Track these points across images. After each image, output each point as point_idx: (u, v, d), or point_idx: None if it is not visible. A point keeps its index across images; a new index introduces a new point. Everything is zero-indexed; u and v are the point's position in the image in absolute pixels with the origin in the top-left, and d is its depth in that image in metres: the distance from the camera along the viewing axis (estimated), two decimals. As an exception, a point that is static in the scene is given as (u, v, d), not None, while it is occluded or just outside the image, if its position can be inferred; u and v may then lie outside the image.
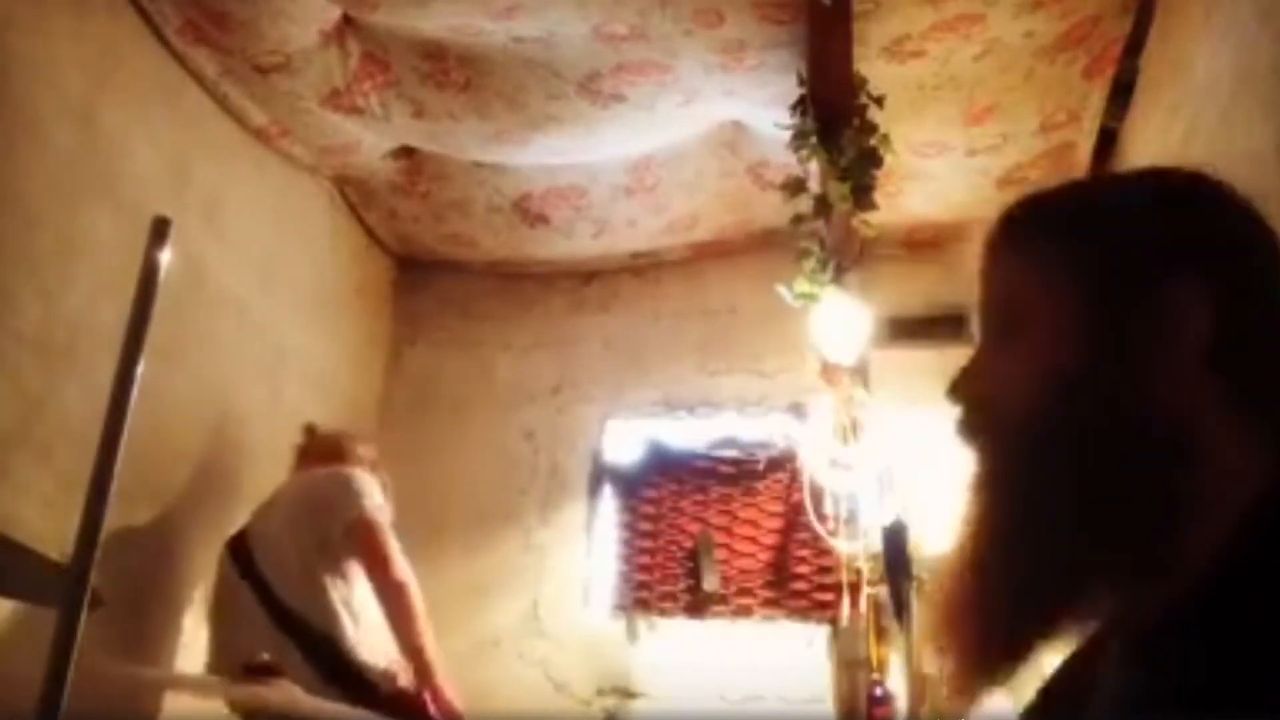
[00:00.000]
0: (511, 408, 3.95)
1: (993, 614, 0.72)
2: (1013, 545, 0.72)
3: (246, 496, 3.16)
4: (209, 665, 2.66)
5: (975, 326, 0.84)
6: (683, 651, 3.52)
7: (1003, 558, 0.72)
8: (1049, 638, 0.72)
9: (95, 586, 1.38)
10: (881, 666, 2.67)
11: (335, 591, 2.58)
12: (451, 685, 2.59)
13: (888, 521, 2.55)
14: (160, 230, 1.46)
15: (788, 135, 2.86)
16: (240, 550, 2.70)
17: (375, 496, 2.69)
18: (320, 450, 2.94)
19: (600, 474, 3.83)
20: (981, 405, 0.79)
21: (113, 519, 1.40)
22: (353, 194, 3.76)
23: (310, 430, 3.03)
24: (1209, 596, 0.63)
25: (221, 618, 2.70)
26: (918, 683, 2.57)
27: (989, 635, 0.73)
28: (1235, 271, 0.75)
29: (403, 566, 2.60)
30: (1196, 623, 0.63)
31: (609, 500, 3.80)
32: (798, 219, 2.88)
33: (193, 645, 2.82)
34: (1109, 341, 0.73)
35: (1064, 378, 0.74)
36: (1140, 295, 0.73)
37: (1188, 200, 0.80)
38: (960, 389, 0.81)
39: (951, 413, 0.81)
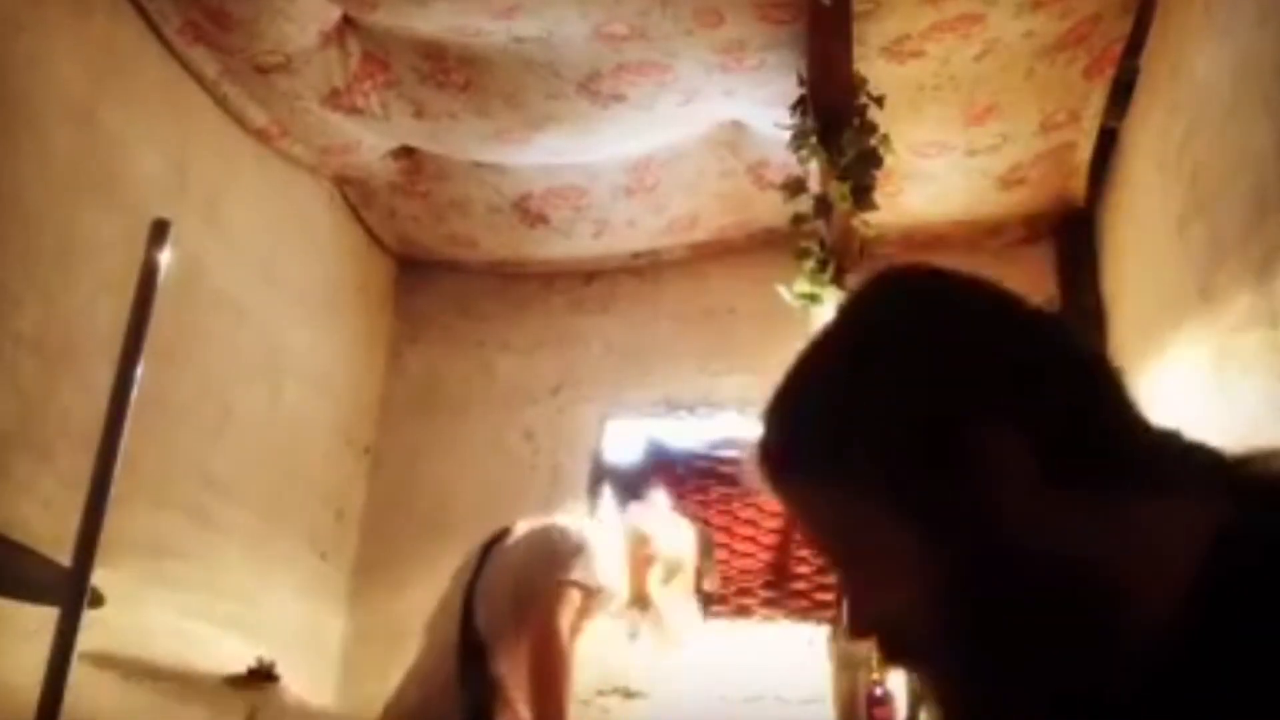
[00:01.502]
0: (511, 408, 3.95)
1: None
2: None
3: (245, 496, 3.17)
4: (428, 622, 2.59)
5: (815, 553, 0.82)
6: (683, 651, 3.52)
7: None
8: None
9: (95, 586, 1.39)
10: (881, 666, 2.67)
11: (510, 641, 2.44)
12: None
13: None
14: (160, 231, 1.46)
15: (788, 135, 2.86)
16: (482, 559, 2.59)
17: (598, 567, 2.48)
18: None
19: (600, 474, 3.83)
20: (889, 634, 0.76)
21: (113, 519, 1.40)
22: (353, 194, 3.76)
23: None
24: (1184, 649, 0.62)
25: (435, 613, 2.60)
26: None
27: None
28: (1015, 383, 0.72)
29: (566, 643, 2.39)
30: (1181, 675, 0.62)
31: (609, 500, 3.80)
32: (798, 219, 2.88)
33: (194, 646, 2.82)
34: (951, 525, 0.70)
35: (939, 579, 0.70)
36: (949, 464, 0.69)
37: (924, 341, 0.74)
38: (860, 631, 0.77)
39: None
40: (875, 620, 0.76)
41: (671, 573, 2.75)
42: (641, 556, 2.69)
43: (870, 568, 0.74)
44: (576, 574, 2.46)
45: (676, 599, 2.80)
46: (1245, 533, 0.64)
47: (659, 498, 2.83)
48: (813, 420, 0.77)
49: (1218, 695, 0.60)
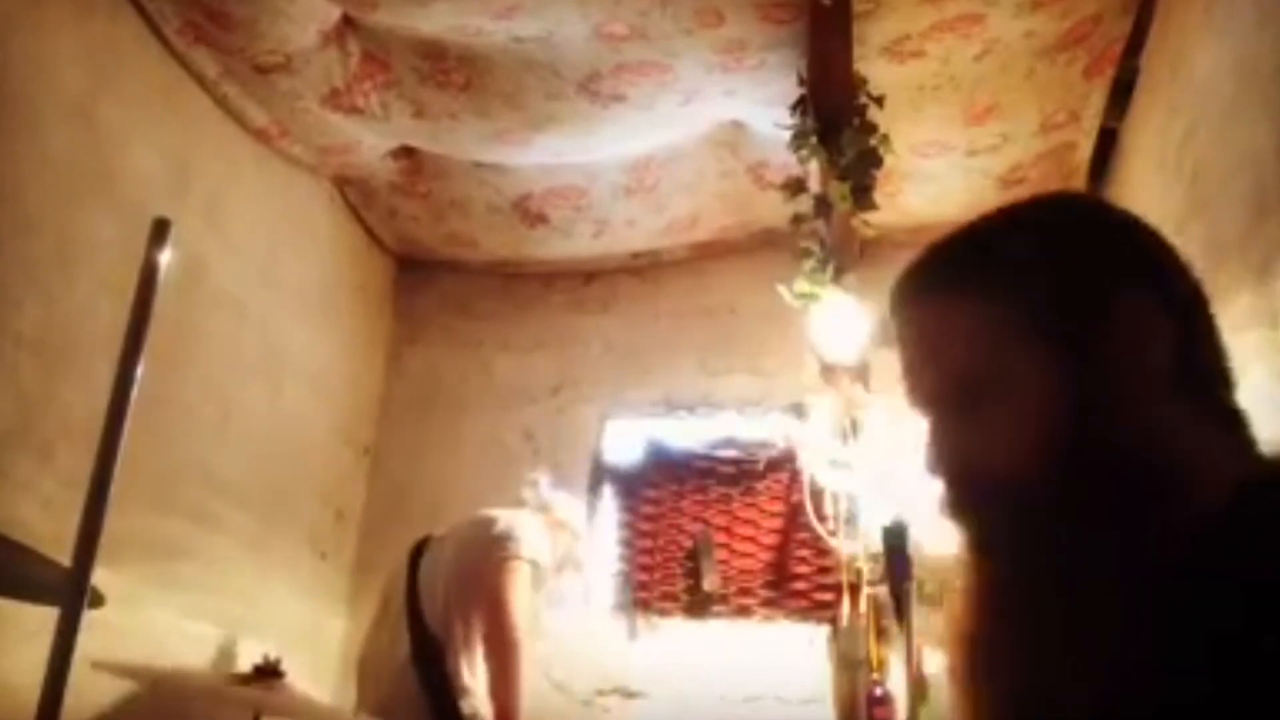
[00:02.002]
0: (511, 408, 3.95)
1: (1018, 672, 0.71)
2: (1038, 602, 0.70)
3: (246, 496, 3.17)
4: (359, 659, 2.77)
5: (911, 388, 0.80)
6: (683, 651, 3.52)
7: (1030, 617, 0.71)
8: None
9: (95, 586, 1.38)
10: (881, 666, 2.67)
11: (460, 631, 2.59)
12: None
13: (888, 521, 2.55)
14: (160, 231, 1.46)
15: (788, 135, 2.86)
16: (415, 560, 2.74)
17: (534, 547, 2.67)
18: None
19: (600, 474, 3.83)
20: (973, 480, 0.75)
21: (113, 520, 1.40)
22: (353, 194, 3.76)
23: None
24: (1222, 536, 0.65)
25: (379, 618, 2.77)
26: (918, 683, 2.56)
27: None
28: (1170, 277, 0.76)
29: (518, 626, 2.56)
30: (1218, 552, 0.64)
31: (609, 500, 3.80)
32: (798, 219, 2.88)
33: (194, 646, 2.82)
34: (1090, 373, 0.71)
35: (1062, 425, 0.71)
36: (1102, 313, 0.72)
37: (1104, 218, 0.79)
38: (946, 469, 0.76)
39: (935, 488, 0.77)
40: (959, 458, 0.75)
41: (574, 536, 2.98)
42: (553, 523, 2.91)
43: (994, 407, 0.73)
44: (515, 550, 2.63)
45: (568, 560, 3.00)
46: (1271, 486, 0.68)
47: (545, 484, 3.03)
48: (981, 247, 0.79)
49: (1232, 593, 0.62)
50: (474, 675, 2.56)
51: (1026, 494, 0.71)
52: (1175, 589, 0.64)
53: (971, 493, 0.75)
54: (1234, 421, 0.74)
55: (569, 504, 3.03)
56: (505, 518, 2.75)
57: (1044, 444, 0.71)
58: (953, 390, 0.76)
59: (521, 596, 2.59)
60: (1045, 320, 0.73)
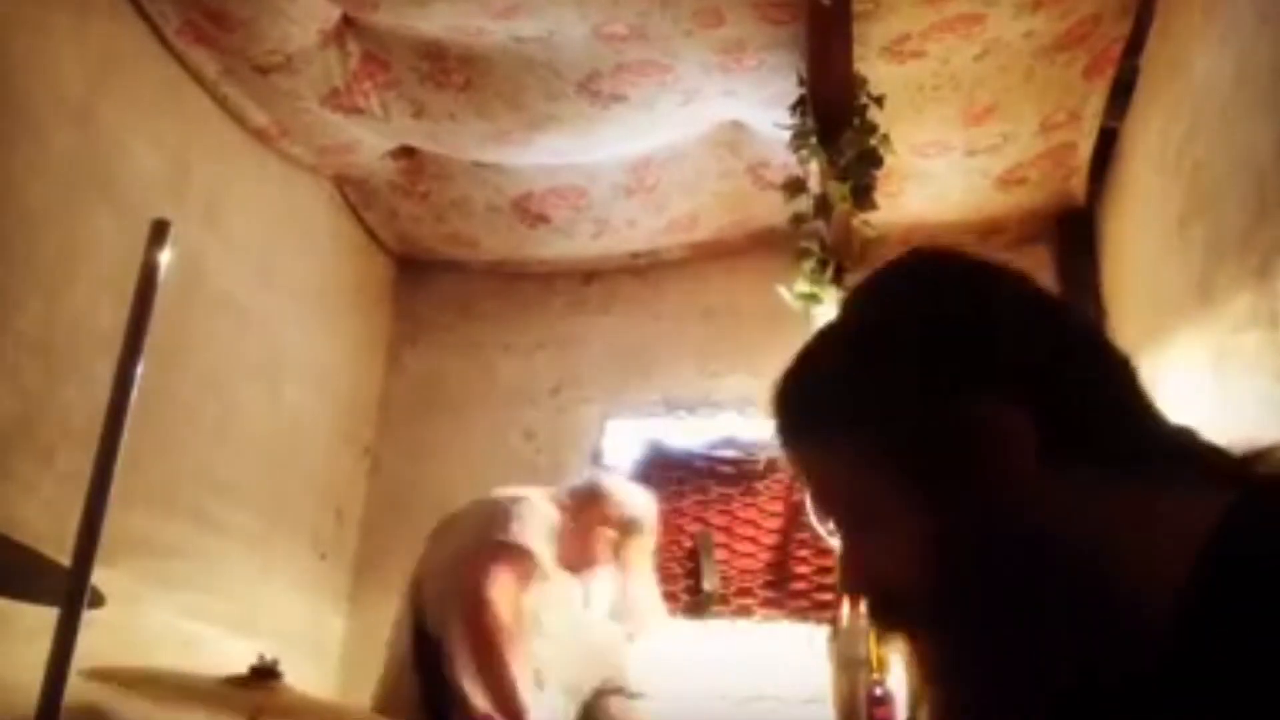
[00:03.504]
0: (512, 408, 3.95)
1: None
2: (982, 702, 0.71)
3: (245, 496, 3.17)
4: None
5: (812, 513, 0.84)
6: (683, 651, 3.52)
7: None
8: None
9: (95, 586, 1.38)
10: (881, 666, 2.67)
11: (454, 630, 2.41)
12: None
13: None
14: (160, 231, 1.46)
15: (788, 135, 2.86)
16: (429, 543, 2.59)
17: (530, 531, 2.43)
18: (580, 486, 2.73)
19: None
20: (880, 597, 0.78)
21: (113, 520, 1.40)
22: (353, 194, 3.76)
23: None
24: (1183, 638, 0.62)
25: (394, 621, 2.60)
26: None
27: None
28: (1023, 356, 0.73)
29: (496, 605, 2.33)
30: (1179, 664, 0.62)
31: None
32: (798, 219, 2.88)
33: (194, 646, 2.82)
34: (951, 492, 0.71)
35: (935, 545, 0.72)
36: (954, 431, 0.71)
37: (940, 314, 0.76)
38: (851, 587, 0.80)
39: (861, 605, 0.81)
40: (869, 581, 0.78)
41: (627, 533, 2.69)
42: (595, 514, 2.64)
43: (870, 531, 0.76)
44: (501, 535, 2.40)
45: (636, 570, 2.75)
46: (1246, 524, 0.64)
47: (618, 470, 2.81)
48: (825, 385, 0.80)
49: (1213, 687, 0.60)
50: (469, 676, 2.40)
51: (931, 610, 0.73)
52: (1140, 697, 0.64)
53: (884, 608, 0.78)
54: (1171, 469, 0.70)
55: (632, 493, 2.72)
56: (504, 501, 2.54)
57: (927, 565, 0.72)
58: (837, 521, 0.80)
59: (505, 588, 2.36)
60: (898, 451, 0.73)
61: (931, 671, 0.75)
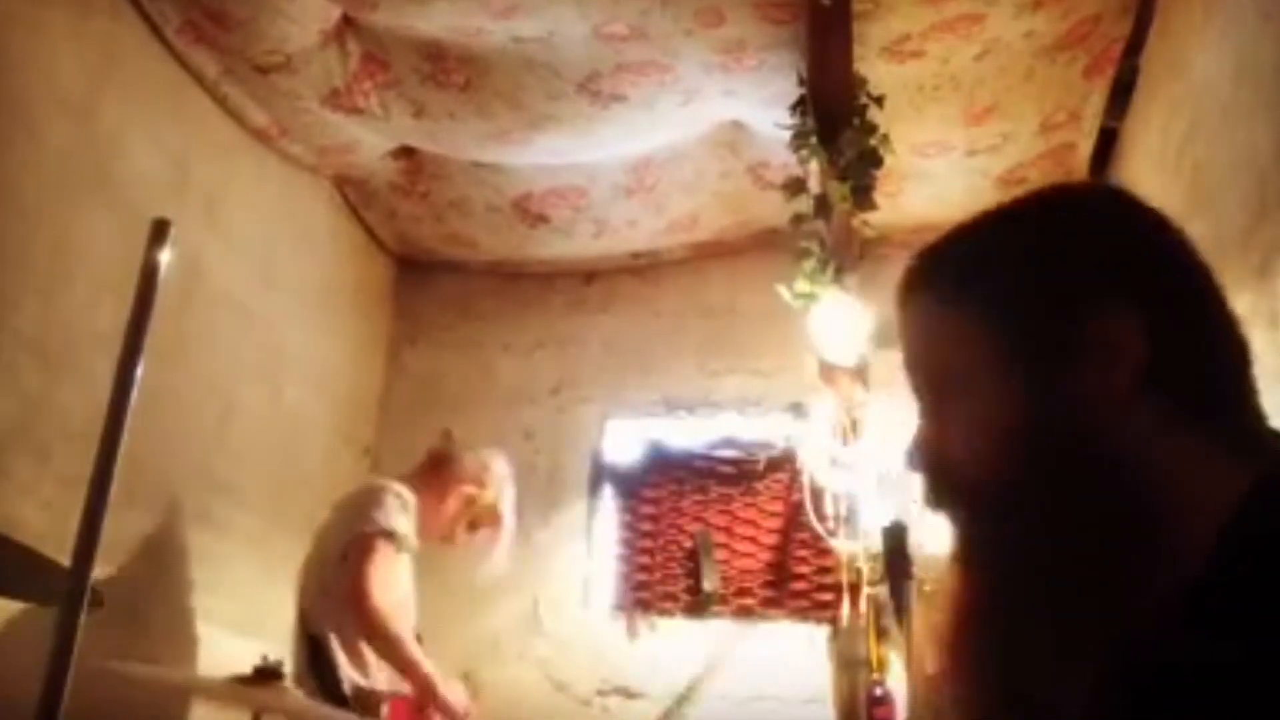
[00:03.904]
0: (511, 408, 3.95)
1: (998, 679, 0.72)
2: (1008, 610, 0.72)
3: (246, 496, 3.17)
4: None
5: (909, 384, 0.84)
6: (683, 651, 3.52)
7: (1002, 624, 0.72)
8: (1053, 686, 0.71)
9: (95, 586, 1.38)
10: (881, 666, 2.67)
11: (331, 609, 2.57)
12: (461, 692, 2.60)
13: (888, 521, 2.55)
14: (160, 231, 1.46)
15: (788, 135, 2.86)
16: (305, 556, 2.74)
17: (392, 516, 2.60)
18: (424, 460, 2.91)
19: (600, 474, 3.83)
20: (941, 473, 0.78)
21: (113, 520, 1.40)
22: (353, 194, 3.76)
23: (444, 437, 2.99)
24: (1202, 603, 0.63)
25: None
26: (918, 683, 2.56)
27: (997, 699, 0.72)
28: (1159, 285, 0.75)
29: (376, 597, 2.49)
30: (1197, 622, 0.63)
31: (609, 500, 3.80)
32: (798, 219, 2.88)
33: (194, 646, 2.82)
34: (1047, 387, 0.72)
35: (1012, 433, 0.73)
36: (1070, 331, 0.72)
37: (1099, 221, 0.78)
38: (917, 459, 0.80)
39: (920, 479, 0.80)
40: (936, 455, 0.78)
41: (481, 485, 2.87)
42: (446, 475, 2.84)
43: (956, 404, 0.77)
44: (363, 525, 2.56)
45: (485, 537, 2.91)
46: (1259, 500, 0.65)
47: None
48: (968, 252, 0.81)
49: (1225, 659, 0.61)
50: (365, 672, 2.55)
51: (986, 495, 0.74)
52: (1151, 666, 0.65)
53: (941, 486, 0.79)
54: (1223, 431, 0.72)
55: (476, 452, 2.94)
56: (357, 495, 2.71)
57: (999, 450, 0.73)
58: (927, 388, 0.81)
59: (380, 573, 2.51)
60: (1012, 334, 0.75)
61: (965, 553, 0.76)
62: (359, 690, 2.53)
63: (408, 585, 2.74)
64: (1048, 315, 0.74)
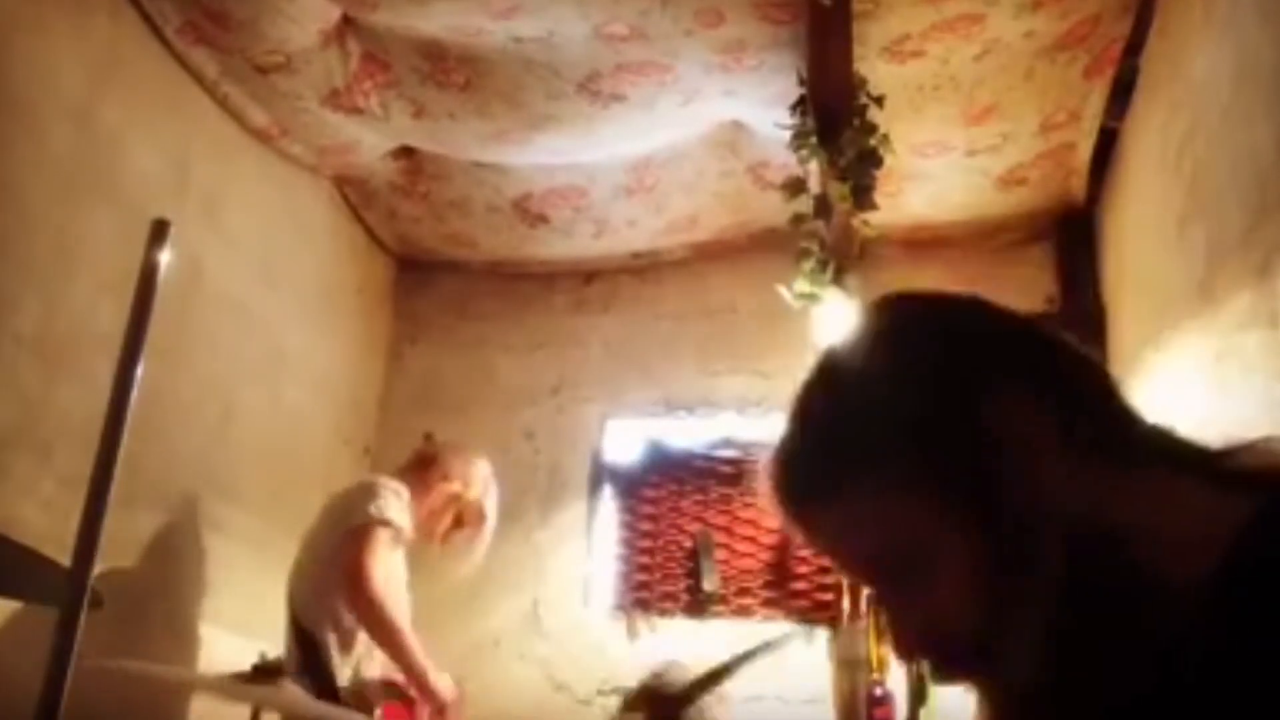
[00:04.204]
0: (512, 408, 3.95)
1: None
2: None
3: (246, 496, 3.17)
4: None
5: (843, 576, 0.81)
6: (683, 651, 3.52)
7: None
8: None
9: (95, 586, 1.38)
10: (881, 666, 2.67)
11: (326, 604, 2.57)
12: (451, 684, 2.60)
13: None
14: (160, 231, 1.46)
15: (788, 135, 2.86)
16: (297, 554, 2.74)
17: (388, 508, 2.61)
18: (410, 460, 2.95)
19: (600, 474, 3.83)
20: (943, 646, 0.74)
21: (113, 520, 1.40)
22: (353, 194, 3.76)
23: (427, 439, 3.04)
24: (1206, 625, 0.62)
25: None
26: (918, 683, 2.56)
27: None
28: (1022, 357, 0.74)
29: (375, 582, 2.49)
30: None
31: (609, 500, 3.80)
32: (798, 219, 2.88)
33: (194, 646, 2.82)
34: (986, 519, 0.70)
35: (982, 559, 0.70)
36: (980, 442, 0.70)
37: (930, 338, 0.75)
38: (911, 650, 0.76)
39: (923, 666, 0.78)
40: (924, 629, 0.74)
41: (467, 483, 2.89)
42: (433, 472, 2.85)
43: (915, 574, 0.72)
44: (358, 518, 2.57)
45: (466, 536, 2.93)
46: (1269, 523, 0.64)
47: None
48: (824, 439, 0.76)
49: (1242, 687, 0.60)
50: (359, 666, 2.57)
51: (994, 636, 0.70)
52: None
53: (950, 657, 0.74)
54: (1174, 460, 0.71)
55: (458, 449, 2.96)
56: (350, 490, 2.73)
57: (981, 593, 0.70)
58: (878, 573, 0.76)
59: (375, 563, 2.51)
60: (933, 481, 0.71)
61: (996, 699, 0.72)
62: (353, 688, 2.54)
63: (402, 577, 2.76)
64: (946, 438, 0.71)
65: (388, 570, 2.59)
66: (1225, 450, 0.71)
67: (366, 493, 2.65)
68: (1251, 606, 0.61)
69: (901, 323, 0.79)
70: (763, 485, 0.79)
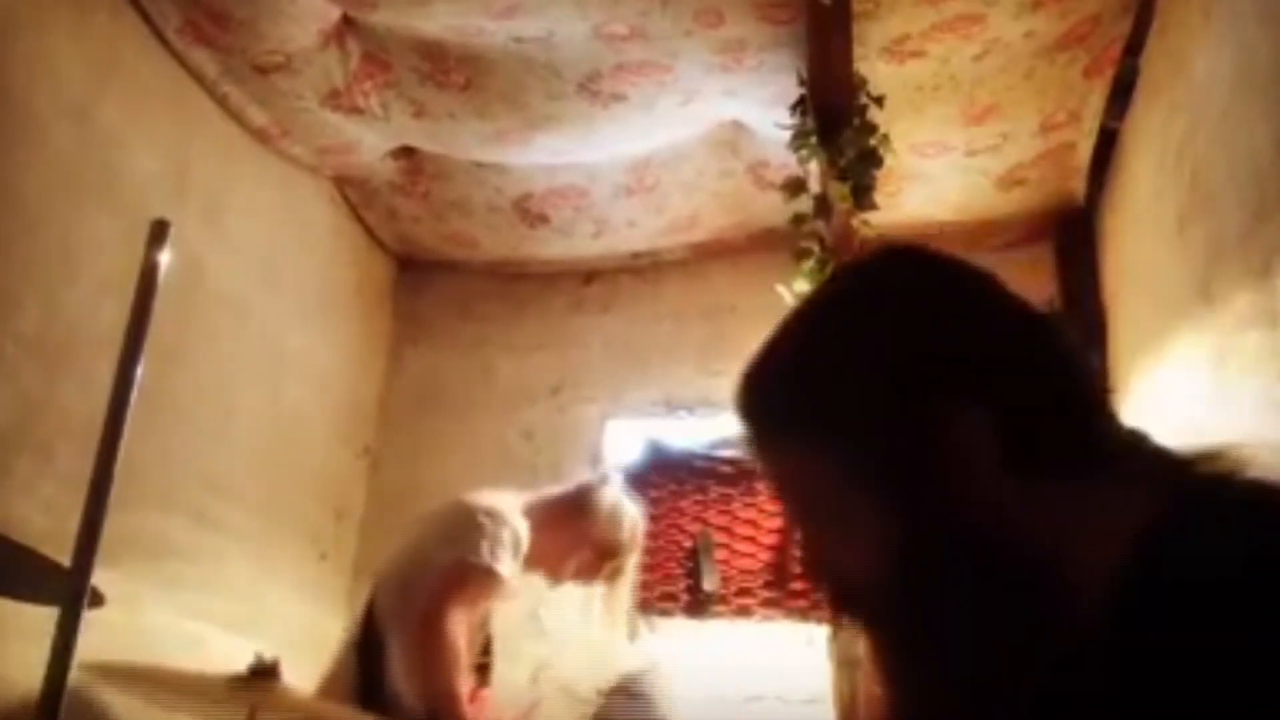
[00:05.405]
0: (512, 408, 3.95)
1: None
2: (926, 698, 0.73)
3: (245, 496, 3.17)
4: None
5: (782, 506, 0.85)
6: (683, 651, 3.52)
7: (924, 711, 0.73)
8: None
9: (95, 586, 1.39)
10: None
11: (397, 637, 2.32)
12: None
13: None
14: (160, 231, 1.47)
15: (788, 135, 2.86)
16: (400, 539, 2.51)
17: (502, 558, 2.29)
18: (570, 493, 2.62)
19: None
20: (836, 586, 0.80)
21: (113, 519, 1.40)
22: (353, 194, 3.76)
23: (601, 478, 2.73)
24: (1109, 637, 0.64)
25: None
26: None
27: None
28: (988, 361, 0.74)
29: (452, 622, 2.20)
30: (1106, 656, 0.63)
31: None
32: (798, 219, 2.88)
33: (194, 646, 2.82)
34: (915, 501, 0.72)
35: (894, 546, 0.73)
36: (922, 445, 0.71)
37: (911, 308, 0.77)
38: (812, 577, 0.83)
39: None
40: (828, 573, 0.80)
41: (606, 557, 2.61)
42: (576, 532, 2.55)
43: (831, 528, 0.78)
44: (471, 555, 2.28)
45: (614, 586, 2.70)
46: (1167, 533, 0.65)
47: (615, 479, 2.69)
48: (789, 378, 0.81)
49: (1129, 699, 0.62)
50: (404, 680, 2.30)
51: (881, 599, 0.75)
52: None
53: (838, 596, 0.81)
54: (1123, 474, 0.71)
55: (621, 513, 2.60)
56: (479, 514, 2.36)
57: (885, 561, 0.74)
58: (800, 516, 0.82)
59: (463, 610, 2.25)
60: (859, 456, 0.75)
61: (882, 666, 0.77)
62: (397, 698, 2.29)
63: (487, 622, 2.52)
64: (891, 429, 0.73)
65: (471, 622, 2.32)
66: (1194, 457, 0.72)
67: (485, 527, 2.33)
68: (1131, 626, 0.63)
69: (901, 287, 0.79)
70: (736, 405, 0.84)
